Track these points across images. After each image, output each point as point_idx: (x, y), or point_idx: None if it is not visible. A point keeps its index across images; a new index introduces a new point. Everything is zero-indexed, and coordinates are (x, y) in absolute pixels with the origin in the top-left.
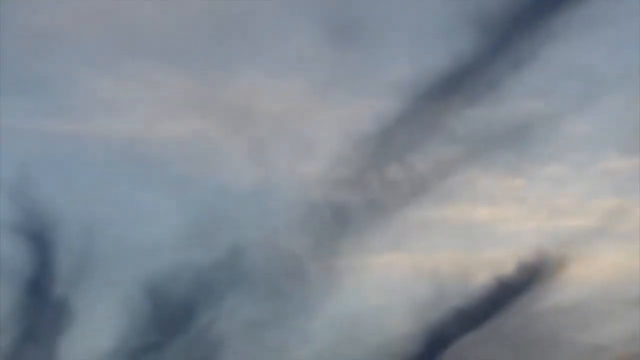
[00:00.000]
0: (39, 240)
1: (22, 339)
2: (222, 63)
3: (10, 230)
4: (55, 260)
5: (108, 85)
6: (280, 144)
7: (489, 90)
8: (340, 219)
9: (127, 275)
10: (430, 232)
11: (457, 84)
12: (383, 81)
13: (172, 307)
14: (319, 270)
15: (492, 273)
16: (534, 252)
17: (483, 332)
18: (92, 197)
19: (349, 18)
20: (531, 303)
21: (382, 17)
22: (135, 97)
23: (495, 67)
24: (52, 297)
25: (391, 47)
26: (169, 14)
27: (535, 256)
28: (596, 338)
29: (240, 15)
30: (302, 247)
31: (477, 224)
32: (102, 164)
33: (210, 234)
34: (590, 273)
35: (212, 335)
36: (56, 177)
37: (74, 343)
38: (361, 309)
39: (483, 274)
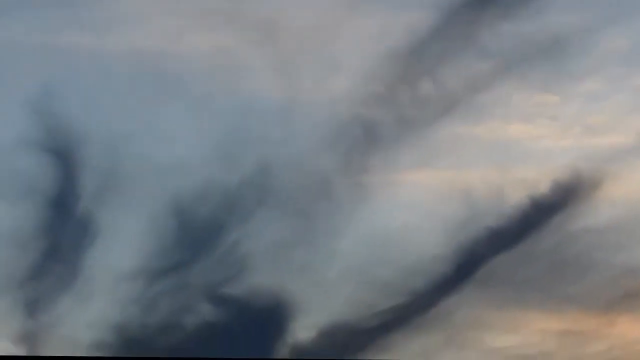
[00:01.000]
0: (63, 157)
1: (47, 256)
2: None
3: (35, 148)
4: (80, 177)
5: None
6: (307, 60)
7: (523, 4)
8: (369, 136)
9: (152, 194)
10: (462, 150)
11: None
12: None
13: (198, 226)
14: (347, 188)
15: (526, 192)
16: (568, 171)
17: (516, 252)
18: (117, 114)
19: None
20: (565, 223)
21: None
22: (160, 11)
23: None
24: (76, 214)
25: None
26: None
27: (569, 175)
28: (630, 259)
29: None
30: (330, 165)
31: (510, 141)
32: (126, 79)
33: (236, 152)
34: (625, 192)
35: (238, 254)
36: (79, 93)
37: (99, 260)
38: (391, 228)
39: (516, 193)
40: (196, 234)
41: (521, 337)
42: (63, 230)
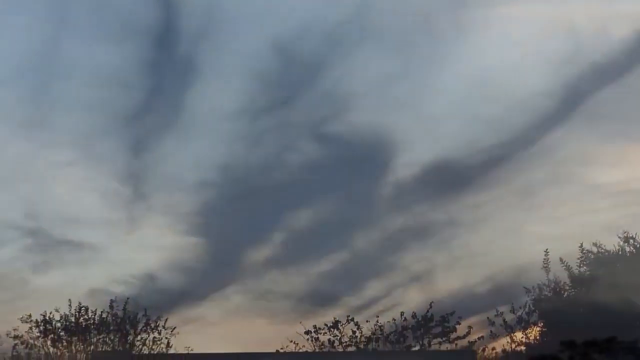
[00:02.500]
0: None
1: (150, 94)
2: None
3: None
4: (181, 17)
5: None
6: None
7: None
8: None
9: (253, 32)
10: None
11: None
12: None
13: (299, 63)
14: (448, 24)
15: (631, 26)
16: None
17: (621, 86)
18: None
19: None
20: None
21: None
22: None
23: None
24: (178, 54)
25: None
26: None
27: None
28: None
29: None
30: (431, 1)
31: None
32: None
33: None
34: None
35: (340, 91)
36: None
37: (201, 100)
38: (493, 64)
39: (621, 27)
40: (297, 72)
41: (626, 172)
42: (165, 70)
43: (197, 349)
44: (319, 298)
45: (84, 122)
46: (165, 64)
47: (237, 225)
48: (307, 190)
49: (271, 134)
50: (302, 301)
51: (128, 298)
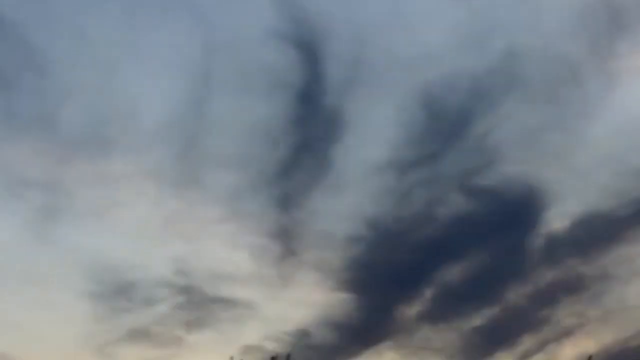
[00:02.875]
0: (310, 50)
1: (298, 149)
2: None
3: (282, 40)
4: (326, 70)
5: None
6: None
7: None
8: (616, 21)
9: (400, 85)
10: None
11: None
12: None
13: (446, 115)
14: (595, 74)
15: None
16: None
17: None
18: (361, 5)
19: None
20: None
21: None
22: None
23: None
24: (324, 107)
25: None
26: None
27: None
28: None
29: None
30: (577, 51)
31: None
32: None
33: (483, 40)
34: None
35: (489, 143)
36: None
37: (348, 153)
38: None
39: None
40: (445, 124)
41: None
42: (312, 124)
43: None
44: (472, 354)
45: (232, 179)
46: (312, 118)
47: (387, 280)
48: (458, 244)
49: (420, 187)
50: (455, 357)
51: (289, 355)
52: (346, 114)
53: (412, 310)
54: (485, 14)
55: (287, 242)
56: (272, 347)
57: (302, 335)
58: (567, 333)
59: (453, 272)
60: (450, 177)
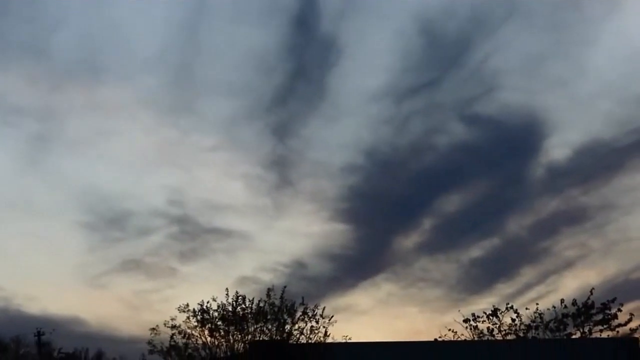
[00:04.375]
0: None
1: (292, 78)
2: None
3: None
4: None
5: None
6: None
7: None
8: None
9: (396, 10)
10: None
11: None
12: None
13: (445, 42)
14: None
15: None
16: None
17: None
18: None
19: None
20: None
21: None
22: None
23: None
24: (319, 33)
25: None
26: None
27: None
28: None
29: None
30: None
31: None
32: None
33: None
34: None
35: (488, 70)
36: None
37: (345, 81)
38: None
39: None
40: (444, 51)
41: None
42: (307, 51)
43: (353, 338)
44: (472, 285)
45: (227, 107)
46: (307, 45)
47: (384, 211)
48: (457, 173)
49: (418, 115)
50: (454, 289)
51: (285, 286)
52: (342, 41)
53: (410, 241)
54: None
55: (282, 171)
56: (267, 278)
57: (298, 266)
58: (568, 265)
59: (452, 202)
60: (449, 105)
